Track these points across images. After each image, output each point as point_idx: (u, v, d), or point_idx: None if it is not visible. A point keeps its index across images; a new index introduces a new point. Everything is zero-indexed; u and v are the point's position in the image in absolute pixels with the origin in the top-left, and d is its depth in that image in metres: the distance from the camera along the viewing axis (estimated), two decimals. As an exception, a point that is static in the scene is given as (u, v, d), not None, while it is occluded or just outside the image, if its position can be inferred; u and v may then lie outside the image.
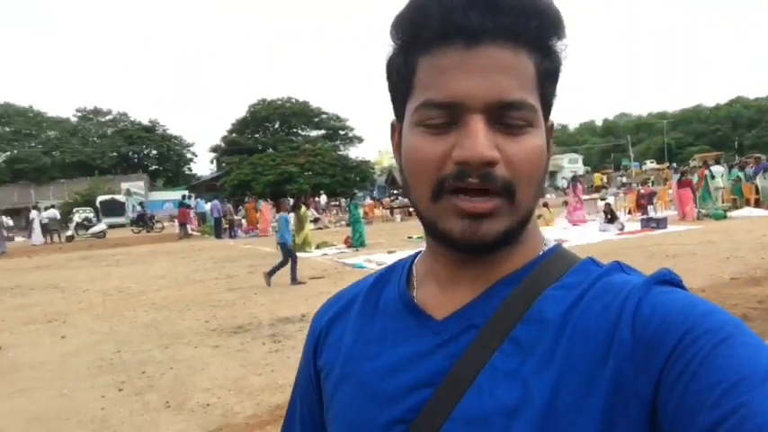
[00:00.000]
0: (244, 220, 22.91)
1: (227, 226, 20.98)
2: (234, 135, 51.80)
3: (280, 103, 51.08)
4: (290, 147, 46.36)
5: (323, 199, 31.35)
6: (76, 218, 26.43)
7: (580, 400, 0.48)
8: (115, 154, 51.97)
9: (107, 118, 55.86)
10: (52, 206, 26.94)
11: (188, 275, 11.18)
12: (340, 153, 49.30)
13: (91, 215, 28.31)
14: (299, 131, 52.76)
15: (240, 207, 24.83)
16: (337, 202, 31.74)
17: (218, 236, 20.34)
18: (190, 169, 58.06)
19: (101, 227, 25.28)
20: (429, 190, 0.54)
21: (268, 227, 19.98)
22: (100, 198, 34.69)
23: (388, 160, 52.03)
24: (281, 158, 43.53)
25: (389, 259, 10.75)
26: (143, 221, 26.28)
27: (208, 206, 23.26)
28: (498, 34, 0.50)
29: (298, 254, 11.48)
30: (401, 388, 0.57)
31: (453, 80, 0.51)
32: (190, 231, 22.08)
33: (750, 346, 0.44)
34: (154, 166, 53.96)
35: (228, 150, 50.38)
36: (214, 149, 54.15)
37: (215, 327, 6.71)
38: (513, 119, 0.51)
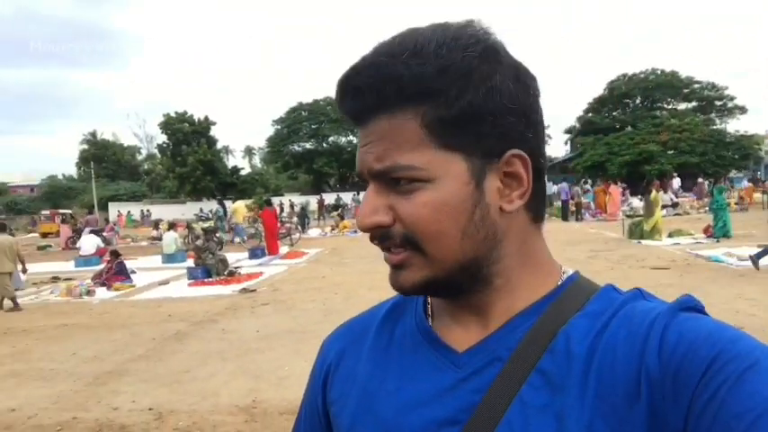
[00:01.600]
0: (592, 203, 22.46)
1: (573, 209, 20.97)
2: (590, 114, 50.35)
3: (642, 76, 47.15)
4: (652, 123, 42.43)
5: (675, 182, 27.95)
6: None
7: None
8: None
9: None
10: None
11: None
12: (714, 128, 42.74)
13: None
14: (664, 105, 47.75)
15: (589, 189, 24.30)
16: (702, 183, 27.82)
17: (565, 218, 20.54)
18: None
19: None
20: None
21: (617, 211, 19.18)
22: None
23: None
24: (640, 136, 40.35)
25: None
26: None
27: (555, 188, 23.63)
28: (372, 110, 0.54)
29: (646, 241, 10.87)
30: (425, 425, 0.55)
31: (358, 154, 0.56)
32: (539, 213, 22.83)
33: None
34: (511, 150, 56.78)
35: (583, 131, 49.29)
36: (568, 131, 53.79)
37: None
38: (396, 181, 0.53)
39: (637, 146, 39.37)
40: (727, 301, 6.60)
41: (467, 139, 0.53)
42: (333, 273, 11.00)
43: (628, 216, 16.88)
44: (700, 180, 27.90)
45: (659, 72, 46.96)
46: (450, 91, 0.52)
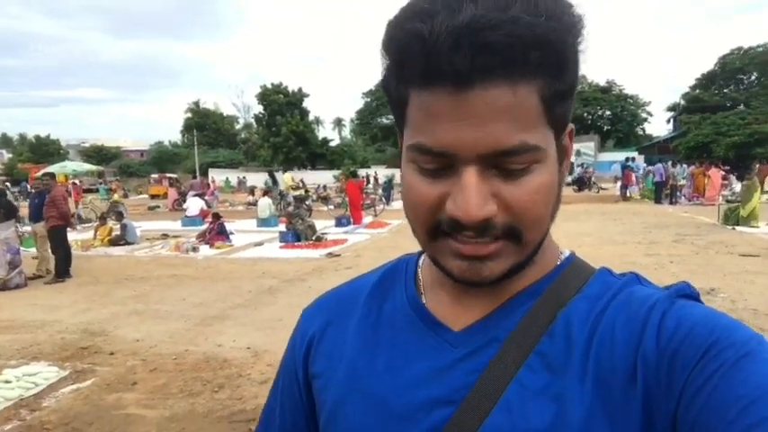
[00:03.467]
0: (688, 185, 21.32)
1: (668, 191, 20.07)
2: (697, 91, 46.97)
3: (760, 50, 43.22)
4: (768, 102, 39.06)
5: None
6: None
7: (616, 420, 0.48)
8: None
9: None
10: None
11: (612, 236, 11.70)
12: (843, 108, 38.63)
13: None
14: (784, 83, 43.67)
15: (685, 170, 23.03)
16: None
17: (658, 201, 19.73)
18: (643, 130, 55.94)
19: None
20: (425, 231, 0.52)
21: (715, 195, 18.17)
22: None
23: None
24: (753, 116, 37.29)
25: None
26: (582, 181, 27.48)
27: (649, 168, 22.62)
28: (490, 73, 0.44)
29: (741, 228, 10.43)
30: (420, 405, 0.54)
31: (443, 129, 0.46)
32: (629, 194, 22.06)
33: None
34: (606, 127, 54.35)
35: (689, 108, 46.08)
36: (672, 108, 50.57)
37: (617, 284, 7.21)
38: (512, 164, 0.47)
39: (748, 126, 36.41)
40: (814, 292, 6.39)
41: (561, 115, 0.49)
42: (413, 243, 11.28)
43: (728, 201, 15.98)
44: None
45: (781, 45, 42.81)
46: (570, 62, 0.47)
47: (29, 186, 21.00)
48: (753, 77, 44.53)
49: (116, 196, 21.16)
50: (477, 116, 0.45)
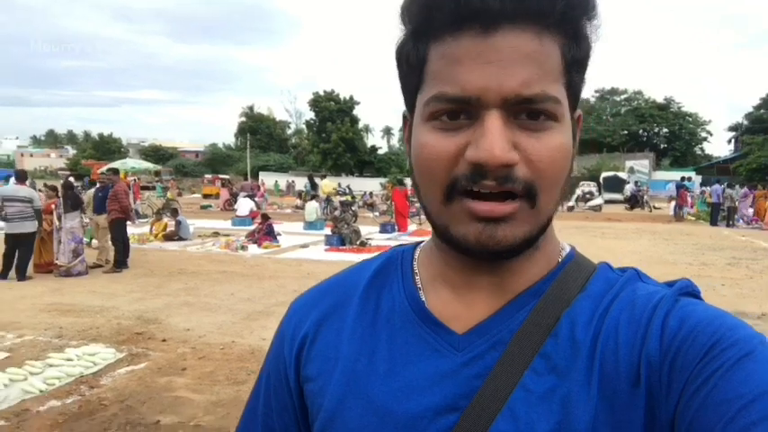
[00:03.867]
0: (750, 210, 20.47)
1: (725, 213, 19.32)
2: (761, 111, 45.11)
3: (833, 70, 41.09)
4: (841, 125, 37.08)
5: None
6: (579, 191, 29.20)
7: (621, 422, 0.47)
8: (625, 132, 53.08)
9: (622, 97, 57.38)
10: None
11: (662, 256, 11.41)
12: None
13: (594, 189, 30.71)
14: None
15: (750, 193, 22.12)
16: None
17: (714, 223, 19.02)
18: (702, 149, 54.00)
19: (598, 201, 27.19)
20: (440, 191, 0.49)
21: (777, 219, 17.39)
22: (603, 174, 36.67)
23: None
24: (821, 139, 35.49)
25: None
26: (635, 200, 26.75)
27: (708, 189, 21.84)
28: (519, 18, 0.45)
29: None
30: (423, 412, 0.52)
31: (468, 72, 0.46)
32: (684, 215, 21.36)
33: None
34: (663, 145, 52.75)
35: (752, 129, 44.29)
36: (734, 128, 48.69)
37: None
38: (534, 113, 0.47)
39: (815, 149, 34.68)
40: None
41: (575, 86, 0.51)
42: (456, 253, 11.50)
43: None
44: None
45: None
46: (590, 29, 0.50)
47: (91, 181, 22.13)
48: (824, 98, 42.37)
49: (170, 194, 22.01)
50: (504, 59, 0.46)
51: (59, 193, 9.13)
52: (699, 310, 0.49)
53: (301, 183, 39.37)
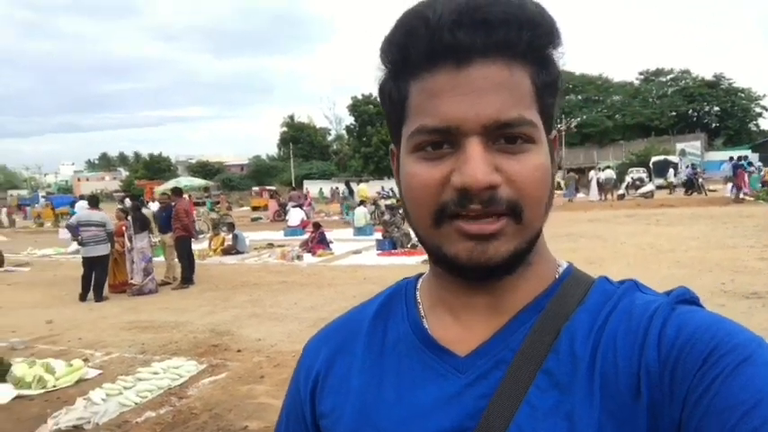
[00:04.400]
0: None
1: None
2: (820, 81, 42.75)
3: None
4: None
5: None
6: (628, 178, 28.48)
7: None
8: (674, 113, 51.29)
9: (668, 78, 55.37)
10: (608, 167, 29.90)
11: (722, 240, 11.12)
12: None
13: (644, 175, 29.90)
14: None
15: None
16: None
17: (775, 202, 18.28)
18: (757, 126, 51.63)
19: (649, 187, 26.44)
20: (429, 216, 0.52)
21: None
22: (653, 158, 35.57)
23: None
24: None
25: None
26: (692, 183, 25.91)
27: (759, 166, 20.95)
28: (489, 50, 0.48)
29: None
30: None
31: (446, 103, 0.49)
32: (742, 196, 20.58)
33: None
34: (714, 124, 50.76)
35: (810, 100, 42.07)
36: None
37: (728, 289, 6.96)
38: (512, 138, 0.50)
39: None
40: None
41: (548, 109, 0.54)
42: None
43: None
44: None
45: None
46: (556, 56, 0.53)
47: (146, 200, 23.10)
48: None
49: (221, 209, 22.76)
50: (478, 89, 0.49)
51: (129, 215, 9.70)
52: (696, 318, 0.50)
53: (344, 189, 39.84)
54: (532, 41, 0.50)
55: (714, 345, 0.46)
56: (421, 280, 0.65)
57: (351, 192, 22.70)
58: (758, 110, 50.90)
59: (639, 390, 0.48)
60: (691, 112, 51.64)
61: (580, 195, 27.79)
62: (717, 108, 50.60)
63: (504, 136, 0.50)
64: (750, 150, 35.92)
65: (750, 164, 23.91)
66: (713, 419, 0.43)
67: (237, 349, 5.84)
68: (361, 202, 19.23)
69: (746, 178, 21.32)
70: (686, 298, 0.53)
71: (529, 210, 0.51)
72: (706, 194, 24.57)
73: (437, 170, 0.51)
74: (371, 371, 0.60)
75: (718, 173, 33.65)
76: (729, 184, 22.20)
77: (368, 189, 24.71)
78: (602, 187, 26.02)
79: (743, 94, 50.31)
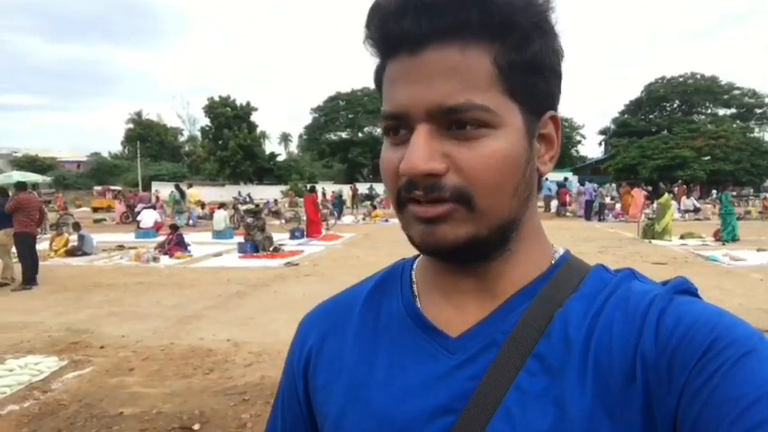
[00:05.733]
0: (618, 205, 23.25)
1: (597, 209, 21.83)
2: (626, 116, 50.32)
3: (681, 80, 46.87)
4: (688, 128, 42.37)
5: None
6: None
7: (617, 420, 0.48)
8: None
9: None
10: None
11: (545, 248, 12.89)
12: (752, 135, 42.62)
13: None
14: (702, 111, 47.62)
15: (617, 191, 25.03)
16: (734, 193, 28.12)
17: (587, 218, 21.44)
18: (577, 151, 59.19)
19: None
20: (394, 199, 0.53)
21: (638, 213, 19.96)
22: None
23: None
24: (674, 141, 40.44)
25: (753, 257, 10.19)
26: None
27: (581, 188, 24.47)
28: (439, 35, 0.48)
29: (656, 241, 11.75)
30: (420, 415, 0.54)
31: (398, 90, 0.50)
32: (564, 212, 23.75)
33: None
34: (543, 148, 56.95)
35: (618, 132, 49.29)
36: (603, 132, 53.88)
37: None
38: (461, 123, 0.49)
39: (670, 150, 39.44)
40: (704, 290, 7.55)
41: (525, 90, 0.51)
42: (366, 254, 12.29)
43: (648, 219, 17.71)
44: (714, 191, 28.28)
45: (699, 76, 46.65)
46: (527, 32, 0.50)
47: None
48: (675, 105, 48.24)
49: (58, 208, 20.90)
50: (427, 76, 0.49)
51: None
52: (696, 308, 0.49)
53: (204, 192, 38.45)
54: (485, 20, 0.48)
55: (714, 336, 0.46)
56: (417, 260, 0.65)
57: (182, 195, 22.06)
58: (578, 138, 58.33)
59: (634, 375, 0.48)
60: (525, 136, 57.19)
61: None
62: (546, 134, 56.67)
63: (454, 122, 0.49)
64: (571, 173, 41.12)
65: (570, 183, 27.59)
66: (714, 411, 0.43)
67: (100, 346, 5.75)
68: (204, 205, 18.85)
69: (567, 197, 24.62)
70: (684, 288, 0.53)
71: (481, 197, 0.50)
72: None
73: (396, 155, 0.52)
74: (364, 348, 0.61)
75: (547, 193, 37.95)
76: (554, 202, 25.44)
77: (198, 193, 24.09)
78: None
79: (566, 123, 57.28)
